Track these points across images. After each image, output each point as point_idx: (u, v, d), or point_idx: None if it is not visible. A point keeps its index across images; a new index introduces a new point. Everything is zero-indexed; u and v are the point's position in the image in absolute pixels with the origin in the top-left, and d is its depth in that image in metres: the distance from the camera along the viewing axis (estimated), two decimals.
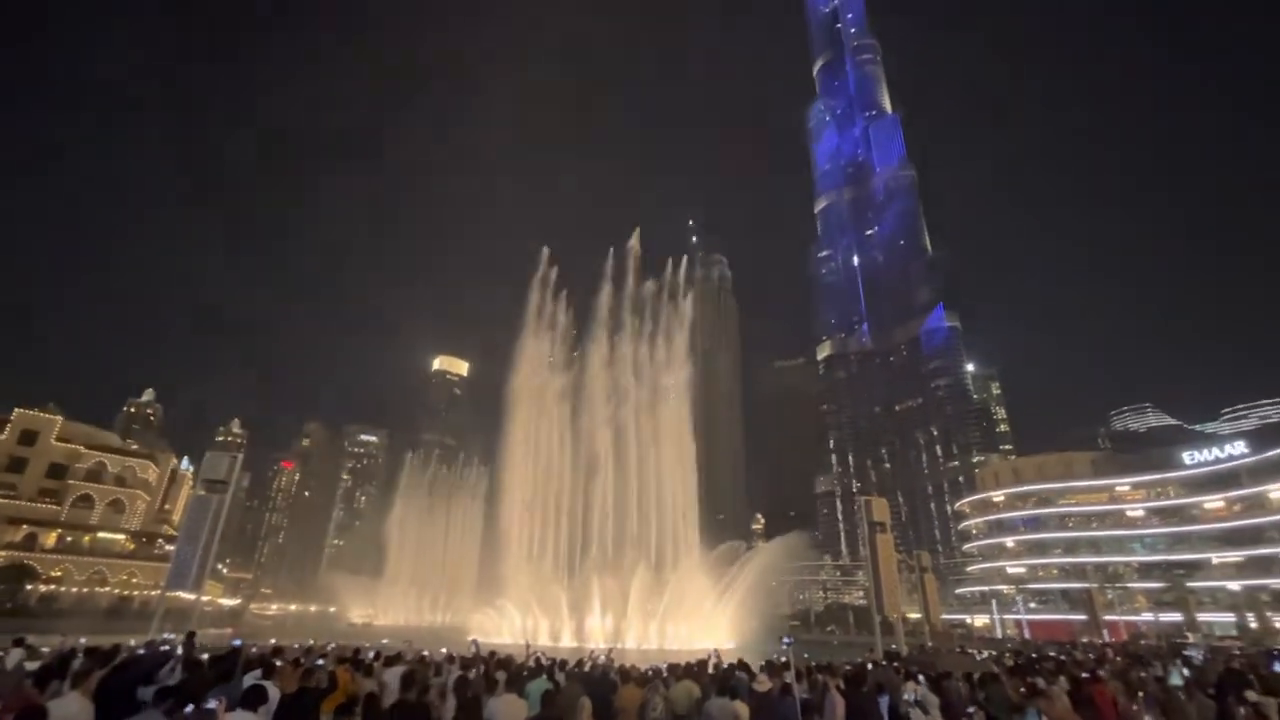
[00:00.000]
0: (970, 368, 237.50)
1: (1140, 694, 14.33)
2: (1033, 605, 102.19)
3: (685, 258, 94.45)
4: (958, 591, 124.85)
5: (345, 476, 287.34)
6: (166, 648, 17.23)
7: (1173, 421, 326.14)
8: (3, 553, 70.08)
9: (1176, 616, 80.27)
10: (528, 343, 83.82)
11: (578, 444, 79.67)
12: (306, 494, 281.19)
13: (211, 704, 7.23)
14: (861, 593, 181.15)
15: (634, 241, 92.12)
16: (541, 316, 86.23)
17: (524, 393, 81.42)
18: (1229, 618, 79.98)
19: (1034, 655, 31.56)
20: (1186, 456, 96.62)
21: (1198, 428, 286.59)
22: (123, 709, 8.05)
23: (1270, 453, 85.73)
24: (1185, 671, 20.40)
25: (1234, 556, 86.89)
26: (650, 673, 15.18)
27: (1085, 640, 67.02)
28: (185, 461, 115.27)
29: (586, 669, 16.78)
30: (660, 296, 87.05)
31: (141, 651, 15.78)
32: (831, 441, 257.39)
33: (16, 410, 78.50)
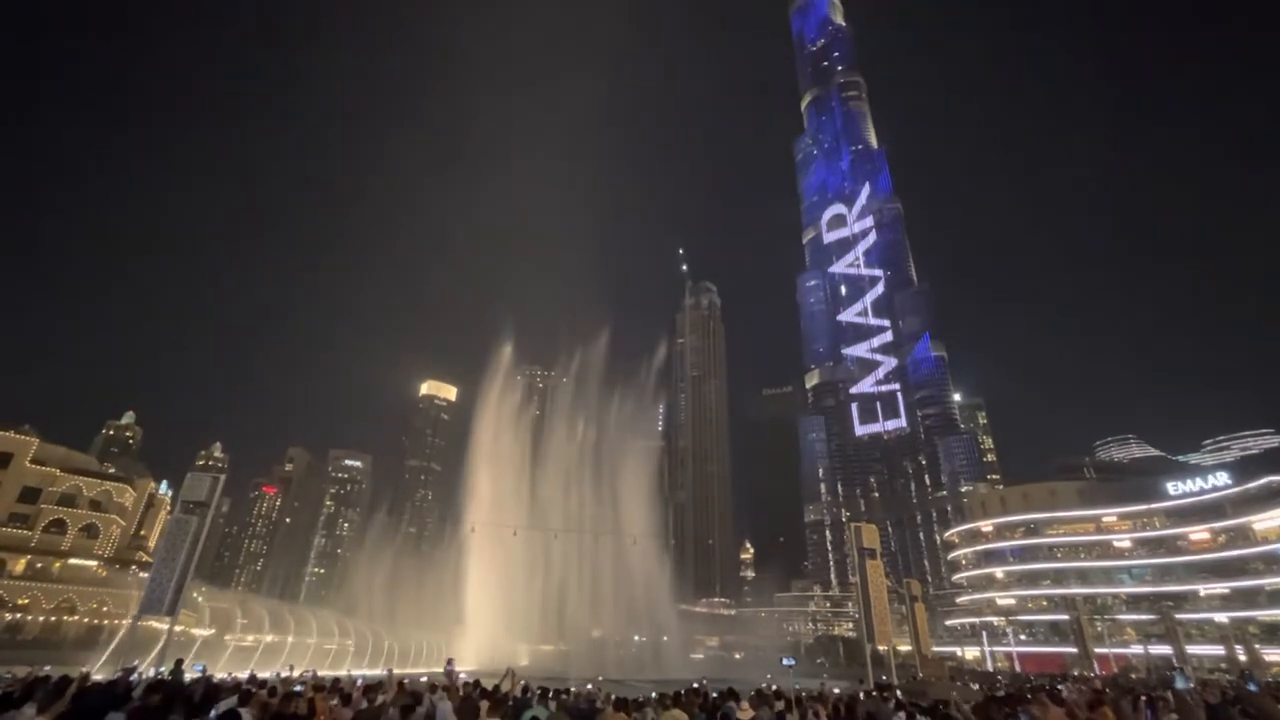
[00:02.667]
0: (957, 397, 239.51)
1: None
2: (1023, 637, 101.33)
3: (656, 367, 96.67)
4: (948, 623, 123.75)
5: (328, 502, 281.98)
6: (135, 677, 16.65)
7: (1156, 452, 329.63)
8: None
9: (1166, 649, 79.93)
10: (481, 474, 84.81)
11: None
12: (288, 520, 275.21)
13: None
14: (852, 624, 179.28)
15: (600, 346, 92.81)
16: (499, 440, 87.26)
17: (484, 530, 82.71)
18: (1218, 650, 79.62)
19: (1028, 686, 31.26)
20: (1171, 487, 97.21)
21: (1180, 459, 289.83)
22: None
23: (1253, 484, 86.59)
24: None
25: (1220, 588, 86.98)
26: (642, 699, 14.89)
27: (1076, 673, 66.40)
28: (164, 485, 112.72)
29: (573, 698, 16.39)
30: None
31: (118, 674, 15.26)
32: (820, 470, 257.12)
33: None
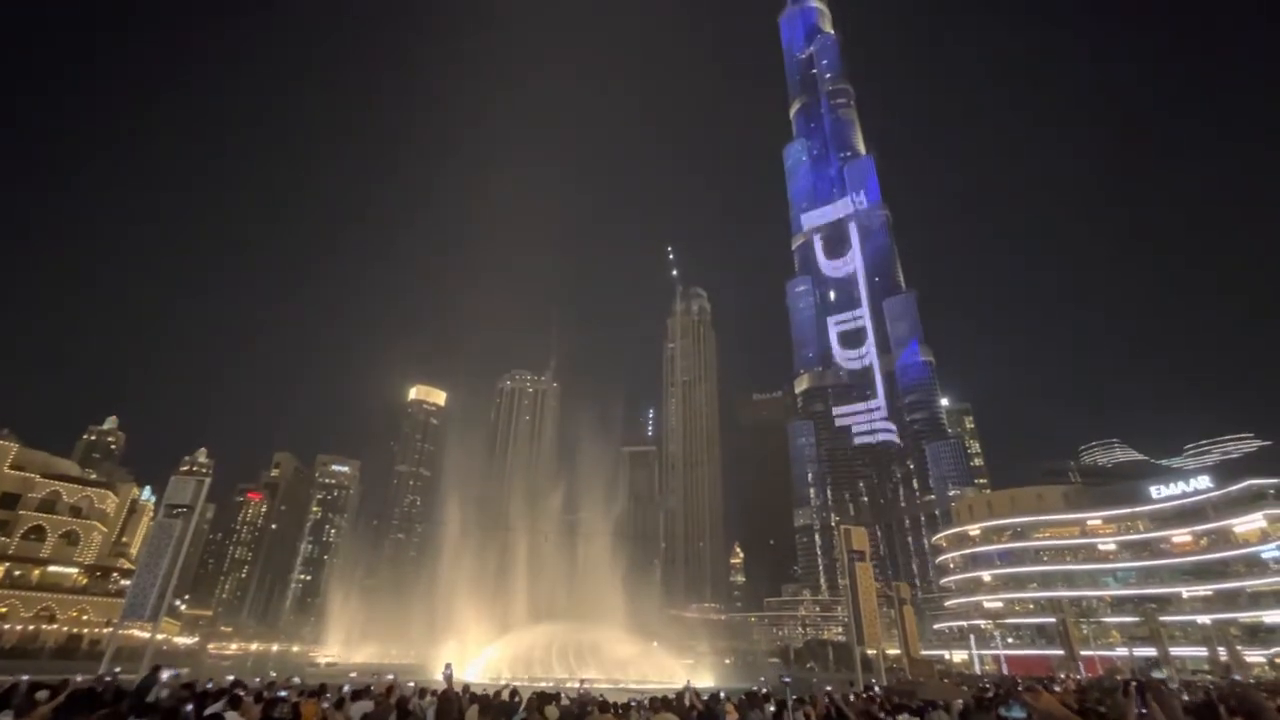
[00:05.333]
0: (945, 402, 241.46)
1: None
2: (1010, 640, 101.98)
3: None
4: (935, 627, 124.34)
5: (315, 508, 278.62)
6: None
7: (1139, 456, 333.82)
8: None
9: (1150, 651, 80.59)
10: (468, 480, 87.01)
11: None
12: (274, 527, 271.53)
13: None
14: (841, 628, 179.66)
15: (589, 352, 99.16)
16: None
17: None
18: (1201, 652, 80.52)
19: (1019, 689, 31.40)
20: (1154, 491, 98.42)
21: (1163, 463, 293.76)
22: None
23: (1234, 487, 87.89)
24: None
25: (1203, 590, 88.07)
26: (632, 703, 14.86)
27: (1063, 675, 66.85)
28: (147, 491, 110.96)
29: (564, 702, 16.33)
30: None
31: (108, 679, 15.03)
32: (809, 475, 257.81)
33: None
